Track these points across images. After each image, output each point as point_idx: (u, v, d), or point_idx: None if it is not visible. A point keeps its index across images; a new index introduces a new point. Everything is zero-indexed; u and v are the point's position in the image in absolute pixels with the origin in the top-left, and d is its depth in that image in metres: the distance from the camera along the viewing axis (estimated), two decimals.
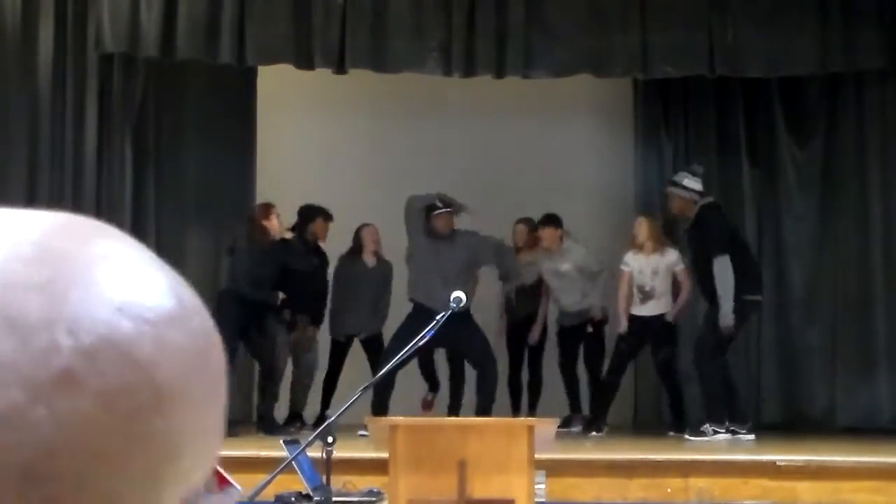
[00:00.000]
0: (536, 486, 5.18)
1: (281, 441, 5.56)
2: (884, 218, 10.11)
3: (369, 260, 9.67)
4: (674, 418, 9.40)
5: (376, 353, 9.39)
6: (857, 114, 10.26)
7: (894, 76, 9.88)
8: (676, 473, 7.03)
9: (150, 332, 0.56)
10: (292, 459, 4.82)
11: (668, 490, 6.99)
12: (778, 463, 7.05)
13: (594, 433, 9.27)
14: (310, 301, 9.39)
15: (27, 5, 9.52)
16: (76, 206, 9.63)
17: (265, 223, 8.92)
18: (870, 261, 10.09)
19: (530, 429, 4.76)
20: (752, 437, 8.75)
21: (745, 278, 8.84)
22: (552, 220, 9.75)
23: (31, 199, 9.25)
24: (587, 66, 9.20)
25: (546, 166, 10.83)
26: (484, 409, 8.89)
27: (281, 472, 4.53)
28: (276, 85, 10.29)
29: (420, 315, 8.25)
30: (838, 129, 10.33)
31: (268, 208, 9.07)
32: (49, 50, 9.58)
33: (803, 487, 6.97)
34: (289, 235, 9.14)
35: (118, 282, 0.57)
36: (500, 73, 9.17)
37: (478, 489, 4.65)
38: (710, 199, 9.12)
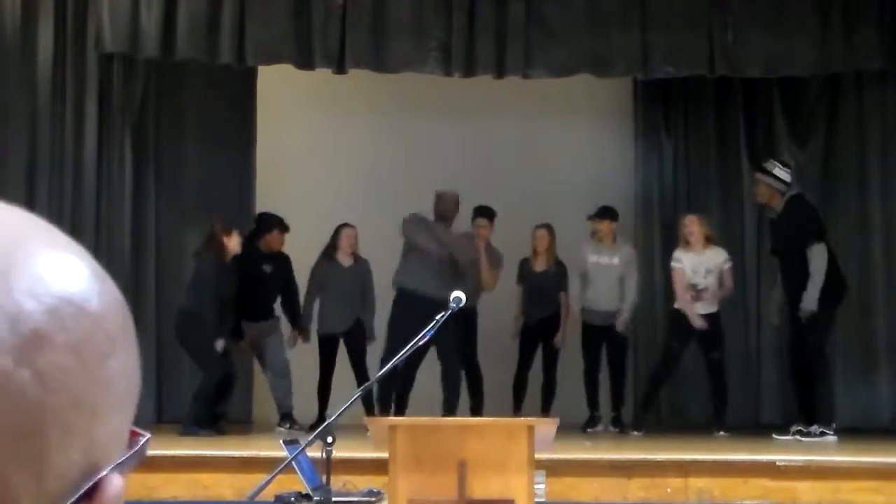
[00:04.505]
0: (536, 486, 5.18)
1: (281, 441, 5.56)
2: (884, 218, 10.11)
3: (344, 260, 9.69)
4: (716, 416, 9.41)
5: (356, 351, 9.45)
6: (857, 114, 10.26)
7: (894, 76, 9.88)
8: (676, 473, 7.02)
9: (93, 288, 0.65)
10: (292, 459, 4.82)
11: (668, 490, 6.99)
12: (778, 463, 7.04)
13: (635, 433, 9.32)
14: (268, 305, 9.47)
15: (27, 5, 9.52)
16: (76, 206, 9.64)
17: (226, 240, 8.94)
18: (870, 261, 10.09)
19: (530, 429, 4.75)
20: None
21: (833, 274, 8.94)
22: (609, 213, 9.77)
23: (31, 199, 9.24)
24: (587, 66, 9.20)
25: (546, 166, 10.83)
26: (450, 405, 9.02)
27: (281, 472, 4.53)
28: (276, 85, 10.29)
29: (408, 304, 8.42)
30: (838, 129, 10.33)
31: (230, 227, 9.07)
32: (49, 50, 9.57)
33: (803, 487, 6.96)
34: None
35: (54, 254, 0.65)
36: (500, 73, 9.16)
37: (478, 489, 4.65)
38: (797, 191, 9.15)
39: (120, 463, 0.66)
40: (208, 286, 8.78)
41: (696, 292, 9.32)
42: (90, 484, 0.64)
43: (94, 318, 0.64)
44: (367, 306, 9.69)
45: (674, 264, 9.48)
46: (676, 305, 9.44)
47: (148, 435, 0.70)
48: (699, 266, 9.34)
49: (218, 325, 8.85)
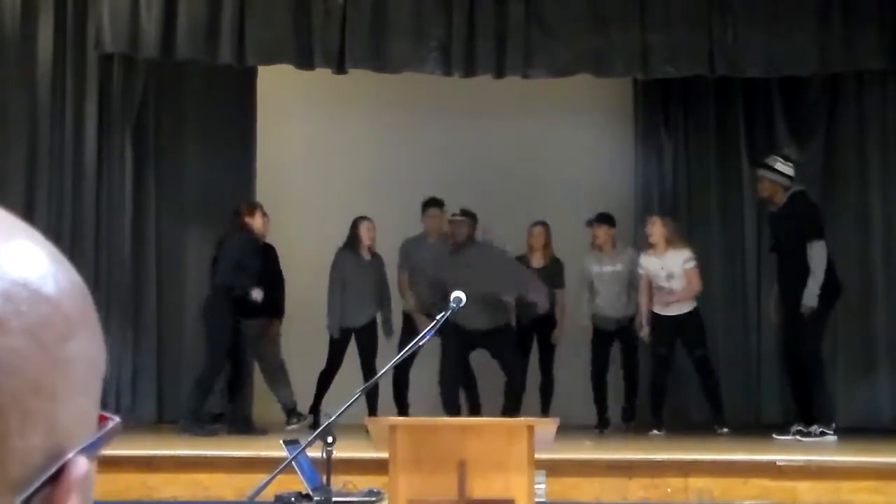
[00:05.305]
0: (536, 486, 5.18)
1: (281, 441, 5.56)
2: (884, 218, 10.11)
3: (365, 254, 9.67)
4: (714, 414, 9.40)
5: (368, 350, 9.43)
6: (857, 114, 10.25)
7: (894, 76, 9.88)
8: (676, 473, 7.03)
9: (49, 272, 0.65)
10: (292, 459, 4.82)
11: (668, 490, 6.99)
12: (778, 463, 7.04)
13: (655, 432, 9.26)
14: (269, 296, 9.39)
15: (27, 5, 9.52)
16: (76, 206, 9.64)
17: (248, 220, 8.97)
18: (870, 261, 10.08)
19: (530, 429, 4.75)
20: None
21: (829, 274, 8.95)
22: (607, 219, 9.72)
23: (30, 199, 9.22)
24: (587, 66, 9.20)
25: (546, 166, 10.82)
26: (510, 411, 8.97)
27: (281, 472, 4.53)
28: (276, 85, 10.29)
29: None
30: (838, 129, 10.32)
31: (253, 207, 9.10)
32: (49, 50, 9.58)
33: (803, 487, 6.96)
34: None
35: (10, 241, 0.66)
36: (500, 73, 9.16)
37: (478, 489, 4.65)
38: (800, 187, 9.14)
39: (86, 446, 0.66)
40: (240, 265, 8.81)
41: (662, 296, 9.30)
42: (55, 467, 0.64)
43: (51, 301, 0.64)
44: (385, 302, 9.68)
45: (638, 270, 9.45)
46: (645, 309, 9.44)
47: (117, 419, 0.69)
48: (660, 270, 9.31)
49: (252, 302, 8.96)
